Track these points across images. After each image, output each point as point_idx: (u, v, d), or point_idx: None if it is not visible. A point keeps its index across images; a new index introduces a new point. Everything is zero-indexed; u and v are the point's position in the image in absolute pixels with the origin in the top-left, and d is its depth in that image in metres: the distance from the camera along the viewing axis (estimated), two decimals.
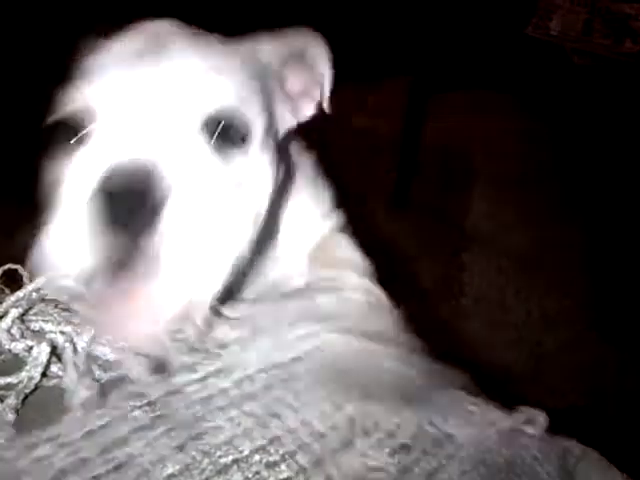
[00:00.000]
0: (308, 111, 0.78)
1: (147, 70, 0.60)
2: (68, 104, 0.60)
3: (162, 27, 0.66)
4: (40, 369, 0.59)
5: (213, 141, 0.61)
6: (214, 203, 0.58)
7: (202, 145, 0.60)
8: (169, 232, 0.55)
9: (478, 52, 2.03)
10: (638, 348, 1.67)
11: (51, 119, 0.61)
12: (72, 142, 0.60)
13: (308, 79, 0.76)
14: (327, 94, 0.74)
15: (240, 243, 0.61)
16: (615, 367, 1.66)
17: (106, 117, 0.59)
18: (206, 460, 0.50)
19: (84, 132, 0.60)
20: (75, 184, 0.58)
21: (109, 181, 0.55)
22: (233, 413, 0.54)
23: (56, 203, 0.60)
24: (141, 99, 0.59)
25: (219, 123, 0.61)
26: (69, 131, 0.61)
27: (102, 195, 0.55)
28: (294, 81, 0.76)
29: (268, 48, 0.72)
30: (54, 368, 0.60)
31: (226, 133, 0.61)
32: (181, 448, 0.51)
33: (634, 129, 1.86)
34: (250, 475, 0.49)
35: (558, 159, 2.26)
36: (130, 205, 0.55)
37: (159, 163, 0.56)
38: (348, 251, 0.82)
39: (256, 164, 0.65)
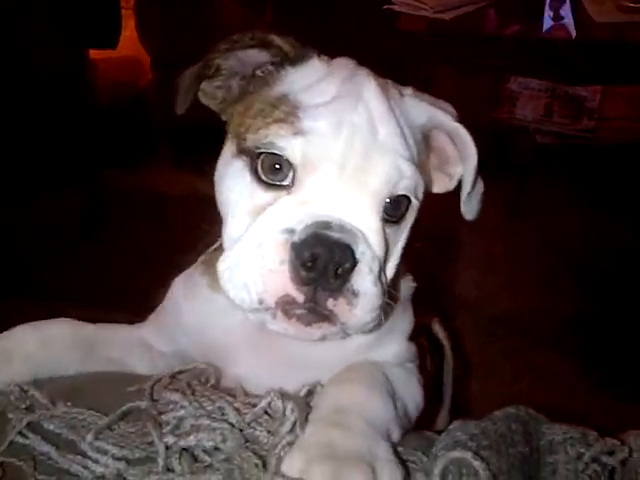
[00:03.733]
0: (437, 187, 0.87)
1: (361, 146, 0.72)
2: (282, 145, 0.72)
3: (370, 90, 0.76)
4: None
5: (385, 215, 0.75)
6: (378, 272, 0.72)
7: (381, 220, 0.74)
8: (350, 297, 0.69)
9: None
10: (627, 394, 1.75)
11: (260, 150, 0.73)
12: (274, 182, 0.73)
13: (452, 156, 0.84)
14: (469, 187, 0.82)
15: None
16: (605, 415, 1.74)
17: (317, 175, 0.72)
18: None
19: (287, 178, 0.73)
20: (281, 226, 0.70)
21: (317, 236, 0.69)
22: None
23: (237, 233, 0.74)
24: (353, 171, 0.71)
25: (393, 200, 0.75)
26: (267, 163, 0.73)
27: (308, 246, 0.68)
28: (438, 149, 0.85)
29: (431, 115, 0.81)
30: None
31: (396, 208, 0.76)
32: None
33: (596, 193, 2.04)
34: None
35: (537, 229, 2.42)
36: (325, 265, 0.68)
37: (355, 234, 0.70)
38: None
39: (404, 233, 0.79)
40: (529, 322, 2.07)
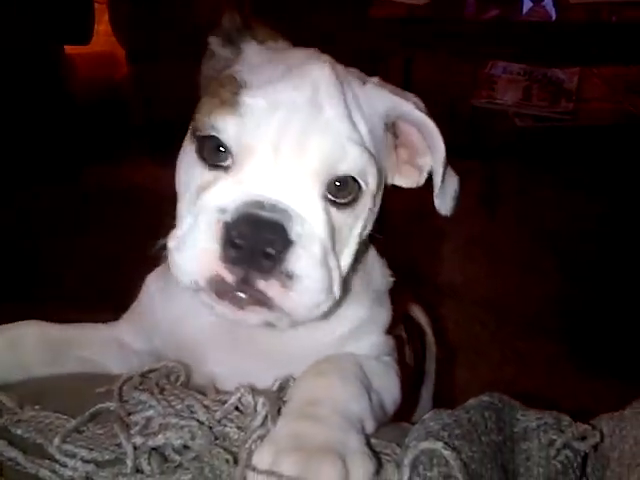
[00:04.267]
0: (406, 179, 0.85)
1: (300, 125, 0.70)
2: (220, 127, 0.71)
3: (320, 76, 0.74)
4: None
5: (329, 195, 0.73)
6: (320, 255, 0.70)
7: (323, 200, 0.72)
8: (284, 279, 0.67)
9: None
10: (610, 375, 1.77)
11: (201, 133, 0.73)
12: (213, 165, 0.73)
13: (419, 147, 0.82)
14: (439, 179, 0.80)
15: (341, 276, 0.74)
16: (590, 397, 1.75)
17: (253, 156, 0.70)
18: None
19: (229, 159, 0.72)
20: (214, 206, 0.69)
21: (247, 216, 0.67)
22: None
23: (183, 213, 0.73)
24: (289, 150, 0.70)
25: (338, 180, 0.73)
26: (210, 145, 0.73)
27: (237, 225, 0.67)
28: (405, 142, 0.84)
29: (391, 104, 0.80)
30: None
31: (342, 190, 0.74)
32: None
33: (574, 175, 2.05)
34: None
35: (517, 213, 2.43)
36: (253, 244, 0.66)
37: (289, 214, 0.68)
38: None
39: (356, 218, 0.76)
40: (512, 307, 2.08)
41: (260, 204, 0.69)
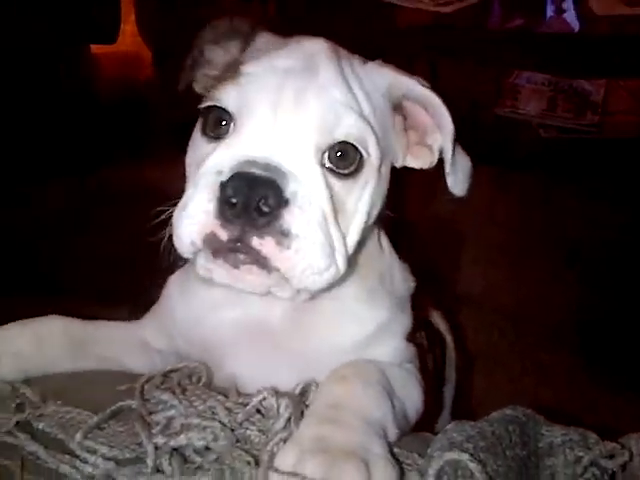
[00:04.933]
0: (418, 160, 0.85)
1: (295, 87, 0.73)
2: (222, 97, 0.74)
3: (317, 48, 0.78)
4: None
5: (329, 163, 0.74)
6: (318, 217, 0.70)
7: (322, 167, 0.73)
8: (279, 236, 0.67)
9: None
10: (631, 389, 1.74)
11: (205, 104, 0.76)
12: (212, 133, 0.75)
13: (427, 124, 0.83)
14: (449, 155, 0.80)
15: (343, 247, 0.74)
16: (610, 412, 1.73)
17: (251, 119, 0.72)
18: None
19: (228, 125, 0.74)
20: (212, 169, 0.70)
21: (241, 174, 0.68)
22: None
23: (191, 181, 0.74)
24: (285, 112, 0.72)
25: (339, 150, 0.74)
26: (212, 118, 0.75)
27: (231, 183, 0.68)
28: (414, 123, 0.84)
29: (393, 80, 0.81)
30: None
31: (343, 159, 0.74)
32: None
33: (598, 185, 2.03)
34: None
35: (540, 224, 2.41)
36: (246, 200, 0.67)
37: (284, 172, 0.69)
38: None
39: (360, 190, 0.76)
40: (532, 317, 2.05)
41: (255, 163, 0.69)
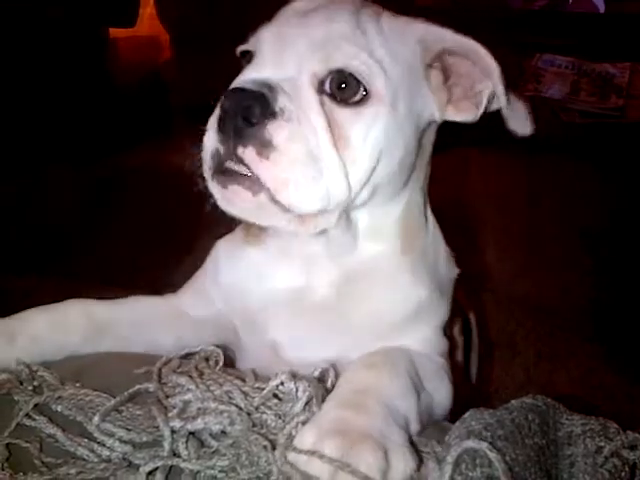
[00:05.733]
0: (463, 114, 0.84)
1: (303, 21, 0.77)
2: (250, 39, 0.81)
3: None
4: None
5: (330, 90, 0.75)
6: (307, 135, 0.72)
7: (314, 87, 0.75)
8: (258, 146, 0.70)
9: None
10: None
11: (240, 48, 0.82)
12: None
13: (473, 75, 0.82)
14: (503, 98, 0.79)
15: (332, 183, 0.74)
16: (628, 402, 1.71)
17: (261, 53, 0.77)
18: None
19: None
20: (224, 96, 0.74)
21: (235, 89, 0.72)
22: None
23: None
24: (288, 40, 0.76)
25: (342, 80, 0.75)
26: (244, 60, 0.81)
27: (227, 98, 0.72)
28: (458, 78, 0.83)
29: (425, 32, 0.81)
30: None
31: (345, 90, 0.75)
32: None
33: (622, 175, 1.99)
34: None
35: (560, 210, 2.38)
36: (238, 109, 0.71)
37: (275, 88, 0.72)
38: None
39: (366, 123, 0.76)
40: (549, 305, 2.03)
41: (253, 81, 0.73)
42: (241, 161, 0.72)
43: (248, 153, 0.71)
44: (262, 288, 0.89)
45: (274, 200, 0.72)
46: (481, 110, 0.82)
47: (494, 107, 0.82)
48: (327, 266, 0.87)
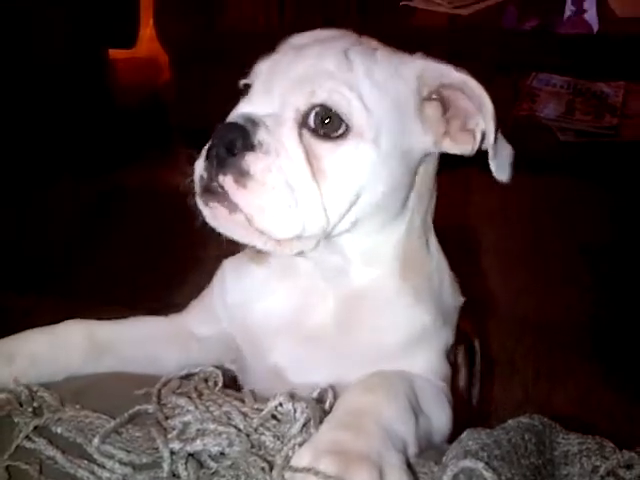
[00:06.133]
0: (460, 146, 0.84)
1: (293, 58, 0.81)
2: (250, 76, 0.85)
3: (331, 33, 0.87)
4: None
5: (314, 125, 0.78)
6: (284, 166, 0.76)
7: (296, 122, 0.78)
8: (237, 174, 0.75)
9: None
10: None
11: (241, 82, 0.86)
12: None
13: (468, 109, 0.83)
14: (491, 136, 0.80)
15: (313, 214, 0.77)
16: (627, 421, 1.71)
17: (254, 87, 0.82)
18: None
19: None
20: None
21: (225, 126, 0.77)
22: None
23: None
24: (277, 76, 0.80)
25: (325, 115, 0.78)
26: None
27: (216, 132, 0.77)
28: (456, 112, 0.84)
29: (424, 68, 0.83)
30: None
31: (328, 125, 0.78)
32: None
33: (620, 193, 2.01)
34: None
35: (559, 229, 2.39)
36: (221, 141, 0.76)
37: (257, 123, 0.76)
38: None
39: (344, 157, 0.78)
40: (549, 323, 2.03)
41: (240, 115, 0.78)
42: (222, 187, 0.77)
43: (227, 180, 0.76)
44: (266, 310, 0.90)
45: (248, 220, 0.76)
46: (477, 143, 0.83)
47: (484, 146, 0.83)
48: (323, 288, 0.88)
